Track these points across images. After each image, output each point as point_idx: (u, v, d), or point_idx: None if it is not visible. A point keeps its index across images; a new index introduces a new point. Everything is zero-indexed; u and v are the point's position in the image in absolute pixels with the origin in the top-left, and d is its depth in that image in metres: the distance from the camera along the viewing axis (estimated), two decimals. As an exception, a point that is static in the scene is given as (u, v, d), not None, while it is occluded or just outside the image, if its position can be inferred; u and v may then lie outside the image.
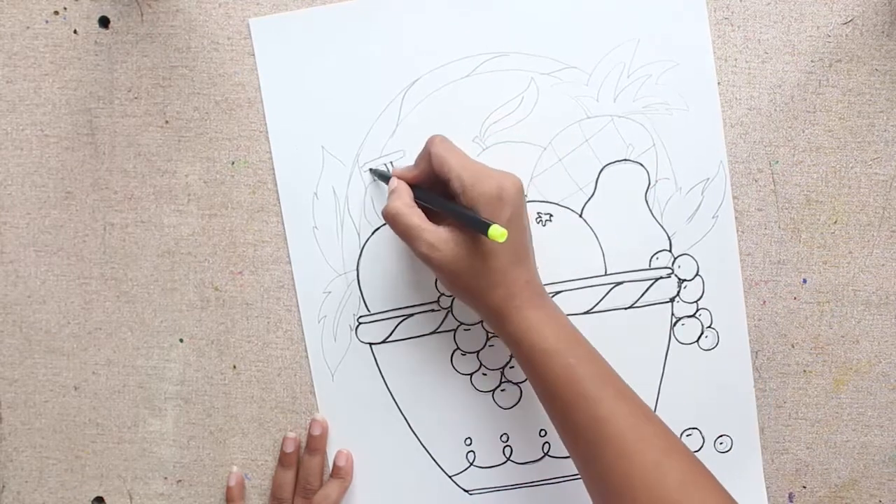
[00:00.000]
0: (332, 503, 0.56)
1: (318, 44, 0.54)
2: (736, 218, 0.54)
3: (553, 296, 0.54)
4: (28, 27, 0.54)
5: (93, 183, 0.56)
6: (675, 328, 0.55)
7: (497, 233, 0.43)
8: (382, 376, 0.56)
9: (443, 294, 0.55)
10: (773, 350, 0.55)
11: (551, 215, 0.54)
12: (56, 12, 0.54)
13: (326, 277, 0.55)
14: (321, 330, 0.56)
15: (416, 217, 0.48)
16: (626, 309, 0.55)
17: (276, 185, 0.55)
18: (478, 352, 0.56)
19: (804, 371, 0.56)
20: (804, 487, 0.57)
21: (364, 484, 0.57)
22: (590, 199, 0.54)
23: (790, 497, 0.57)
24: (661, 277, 0.55)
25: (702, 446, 0.56)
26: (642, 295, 0.55)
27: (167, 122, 0.55)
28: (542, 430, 0.56)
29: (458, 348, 0.56)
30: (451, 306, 0.55)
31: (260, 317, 0.57)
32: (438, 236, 0.47)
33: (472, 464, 0.57)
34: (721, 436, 0.56)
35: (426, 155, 0.49)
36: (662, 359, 0.55)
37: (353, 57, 0.54)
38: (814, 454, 0.56)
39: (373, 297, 0.56)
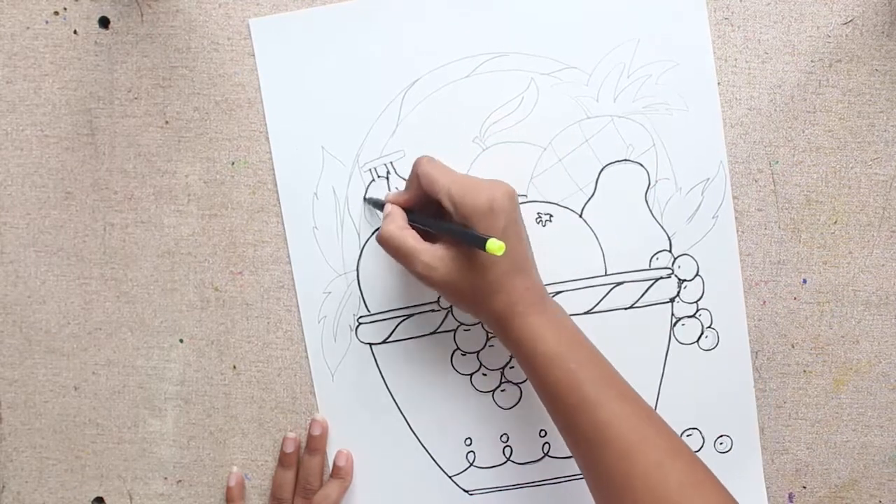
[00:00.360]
0: (332, 503, 0.56)
1: (318, 44, 0.54)
2: (736, 218, 0.54)
3: (553, 296, 0.54)
4: (28, 27, 0.54)
5: (93, 183, 0.56)
6: (676, 328, 0.55)
7: (495, 246, 0.43)
8: (382, 376, 0.56)
9: (443, 294, 0.55)
10: (773, 350, 0.55)
11: (551, 215, 0.54)
12: (56, 13, 0.54)
13: (326, 278, 0.55)
14: (321, 330, 0.56)
15: (409, 238, 0.48)
16: (626, 309, 0.55)
17: (276, 185, 0.55)
18: (478, 352, 0.56)
19: (804, 371, 0.56)
20: (804, 487, 0.57)
21: (364, 484, 0.57)
22: (590, 199, 0.54)
23: (790, 497, 0.57)
24: (662, 278, 0.55)
25: (702, 446, 0.56)
26: (642, 295, 0.55)
27: (167, 122, 0.55)
28: (542, 430, 0.56)
29: (458, 348, 0.56)
30: (451, 307, 0.55)
31: (260, 317, 0.57)
32: (434, 254, 0.47)
33: (472, 464, 0.57)
34: (721, 436, 0.56)
35: (415, 177, 0.49)
36: (662, 359, 0.55)
37: (352, 57, 0.54)
38: (814, 454, 0.56)
39: (373, 297, 0.56)
